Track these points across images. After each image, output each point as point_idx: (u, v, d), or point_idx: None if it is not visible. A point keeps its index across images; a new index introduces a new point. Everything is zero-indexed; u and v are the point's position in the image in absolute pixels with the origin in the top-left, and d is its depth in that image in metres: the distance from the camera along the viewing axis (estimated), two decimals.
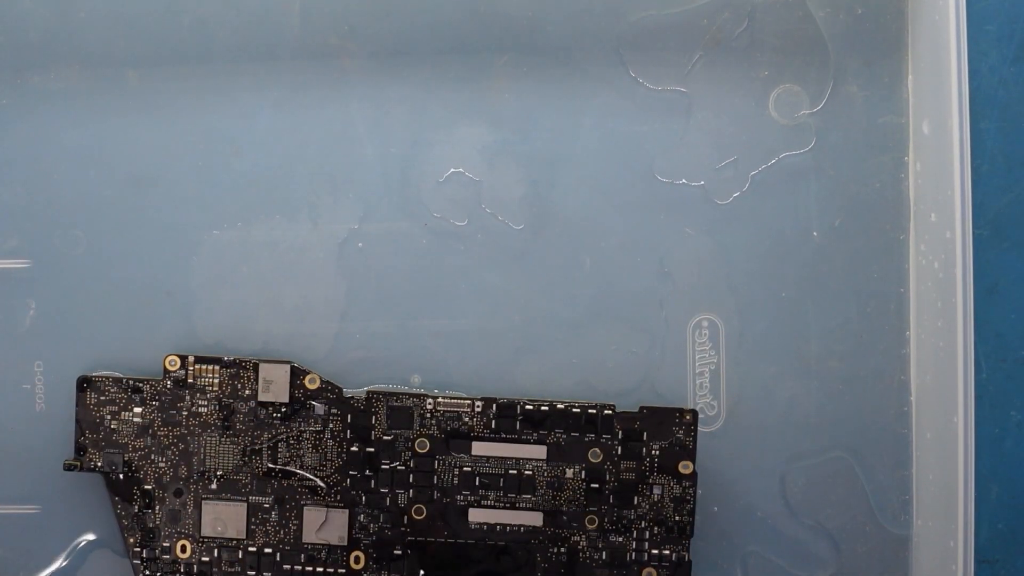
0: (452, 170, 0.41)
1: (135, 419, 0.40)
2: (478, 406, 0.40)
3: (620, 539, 0.40)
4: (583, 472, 0.40)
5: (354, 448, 0.40)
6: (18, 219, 0.41)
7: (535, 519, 0.40)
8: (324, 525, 0.40)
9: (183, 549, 0.40)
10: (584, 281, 0.41)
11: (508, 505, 0.40)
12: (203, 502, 0.40)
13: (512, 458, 0.40)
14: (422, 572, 0.40)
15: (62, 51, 0.40)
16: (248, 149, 0.41)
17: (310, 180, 0.41)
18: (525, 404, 0.40)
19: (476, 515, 0.40)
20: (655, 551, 0.40)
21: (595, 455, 0.40)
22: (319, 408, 0.40)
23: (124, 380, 0.40)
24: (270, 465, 0.39)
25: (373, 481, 0.40)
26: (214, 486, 0.40)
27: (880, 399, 0.42)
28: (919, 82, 0.41)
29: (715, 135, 0.41)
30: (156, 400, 0.40)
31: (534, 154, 0.41)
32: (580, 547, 0.40)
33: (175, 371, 0.40)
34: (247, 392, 0.40)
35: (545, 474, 0.40)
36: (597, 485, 0.40)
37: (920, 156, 0.41)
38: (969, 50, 0.38)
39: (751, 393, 0.41)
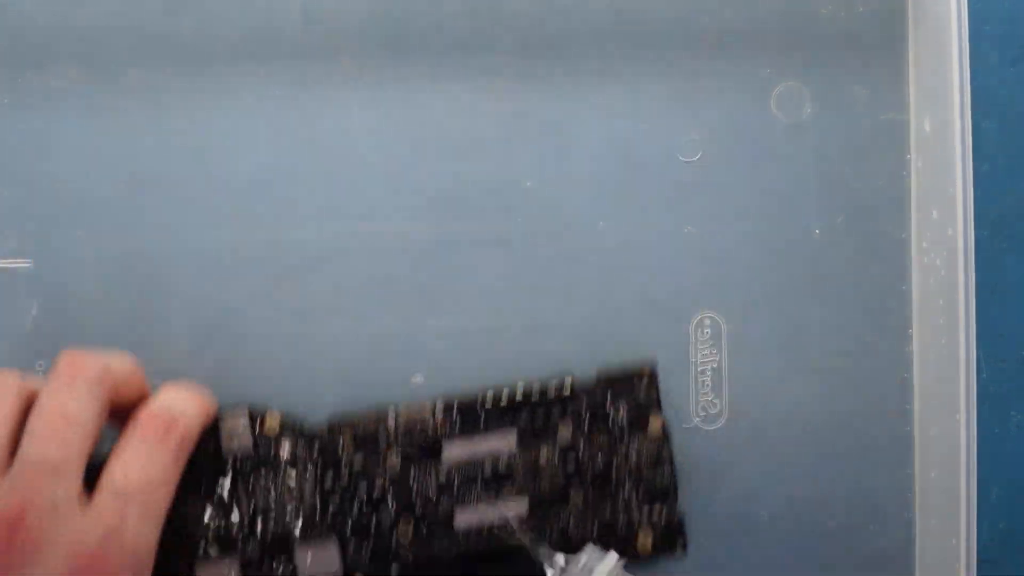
0: (454, 170, 0.41)
1: None
2: (439, 410, 0.40)
3: (608, 511, 0.40)
4: (556, 451, 0.40)
5: (327, 481, 0.39)
6: (18, 219, 0.41)
7: (521, 506, 0.39)
8: (316, 561, 0.39)
9: None
10: (586, 279, 0.41)
11: (492, 497, 0.39)
12: (196, 566, 0.38)
13: (482, 454, 0.39)
14: None
15: (62, 51, 0.40)
16: (248, 149, 0.41)
17: (311, 180, 0.41)
18: (484, 403, 0.40)
19: (463, 518, 0.39)
20: (645, 517, 0.40)
21: (565, 430, 0.40)
22: (285, 449, 0.39)
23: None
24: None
25: (354, 508, 0.39)
26: (201, 550, 0.38)
27: (882, 397, 0.42)
28: (920, 79, 0.41)
29: (716, 133, 0.41)
30: None
31: (536, 153, 0.41)
32: (570, 527, 0.39)
33: None
34: (211, 447, 0.39)
35: (520, 462, 0.40)
36: (573, 461, 0.40)
37: (922, 153, 0.41)
38: (970, 50, 0.38)
39: (753, 391, 0.41)
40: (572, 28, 0.41)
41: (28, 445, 0.33)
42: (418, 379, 0.41)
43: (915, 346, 0.42)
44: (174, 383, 0.38)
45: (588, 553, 0.35)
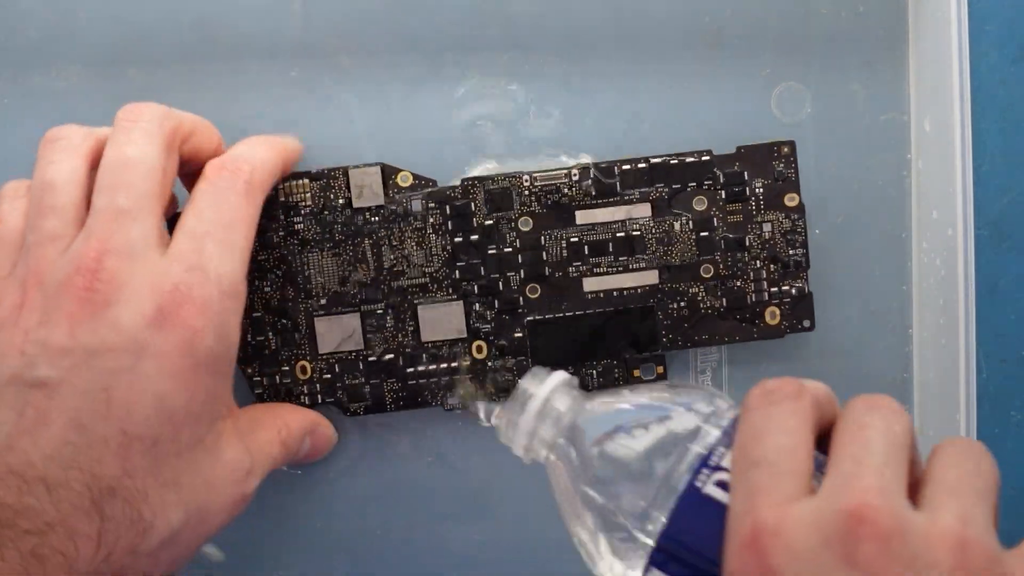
0: (455, 170, 0.41)
1: None
2: (575, 174, 0.40)
3: (738, 283, 0.40)
4: (690, 222, 0.40)
5: (458, 238, 0.39)
6: None
7: (650, 278, 0.40)
8: (439, 320, 0.39)
9: (303, 370, 0.39)
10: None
11: (621, 268, 0.40)
12: (315, 319, 0.39)
13: (618, 220, 0.40)
14: None
15: (62, 50, 0.40)
16: None
17: None
18: (623, 165, 0.40)
19: (591, 284, 0.40)
20: (774, 289, 0.40)
21: (700, 203, 0.40)
22: (416, 204, 0.39)
23: None
24: None
25: (482, 268, 0.39)
26: (324, 301, 0.39)
27: None
28: (921, 80, 0.41)
29: (716, 133, 0.41)
30: None
31: (535, 153, 0.41)
32: (699, 297, 0.40)
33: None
34: (340, 201, 0.39)
35: (653, 231, 0.40)
36: (707, 233, 0.40)
37: (922, 153, 0.41)
38: (970, 50, 0.38)
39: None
40: (572, 28, 0.41)
41: (97, 197, 0.34)
42: None
43: (915, 346, 0.42)
44: (248, 137, 0.38)
45: (530, 376, 0.33)
